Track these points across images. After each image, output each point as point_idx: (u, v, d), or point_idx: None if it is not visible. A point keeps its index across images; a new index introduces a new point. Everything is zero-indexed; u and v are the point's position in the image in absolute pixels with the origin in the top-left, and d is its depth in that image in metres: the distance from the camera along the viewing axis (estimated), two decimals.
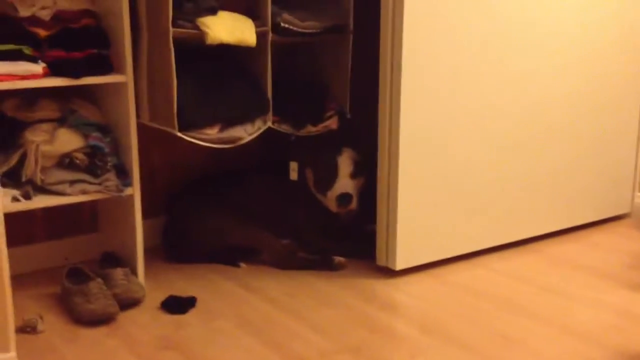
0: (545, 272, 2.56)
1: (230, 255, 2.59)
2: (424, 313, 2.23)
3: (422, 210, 2.48)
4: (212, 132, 2.32)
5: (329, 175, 2.56)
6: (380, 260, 2.51)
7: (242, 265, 2.56)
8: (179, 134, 2.25)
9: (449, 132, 2.49)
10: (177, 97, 2.20)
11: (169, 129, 2.26)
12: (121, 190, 2.29)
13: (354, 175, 2.57)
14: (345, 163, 2.57)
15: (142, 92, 2.32)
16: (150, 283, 2.39)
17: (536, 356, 1.97)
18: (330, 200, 2.57)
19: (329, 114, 2.59)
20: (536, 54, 2.64)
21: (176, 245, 2.63)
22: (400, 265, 2.48)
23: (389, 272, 2.49)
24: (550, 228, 2.87)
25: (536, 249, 2.76)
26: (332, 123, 2.59)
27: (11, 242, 1.87)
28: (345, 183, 2.55)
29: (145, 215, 2.44)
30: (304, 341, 2.03)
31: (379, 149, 2.43)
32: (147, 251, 2.44)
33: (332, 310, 2.24)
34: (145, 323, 2.15)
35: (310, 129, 2.54)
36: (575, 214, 2.95)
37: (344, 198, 2.54)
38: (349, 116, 2.62)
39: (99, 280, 2.23)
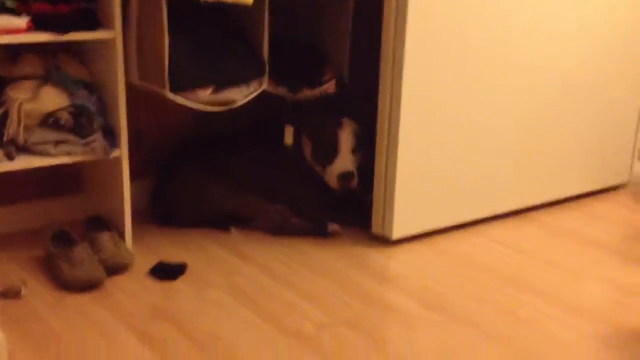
0: (546, 243, 2.50)
1: (221, 220, 2.50)
2: (421, 285, 2.17)
3: (421, 177, 2.40)
4: (205, 93, 2.22)
5: (330, 150, 2.46)
6: (376, 228, 2.44)
7: (233, 230, 2.48)
8: (170, 95, 2.14)
9: (450, 98, 2.40)
10: (169, 56, 2.10)
11: (159, 90, 2.16)
12: (108, 153, 2.19)
13: (355, 151, 2.48)
14: (347, 137, 2.47)
15: (131, 49, 2.20)
16: (138, 248, 2.31)
17: (535, 329, 1.92)
18: (330, 176, 2.48)
19: (326, 77, 2.48)
20: (540, 20, 2.54)
21: (165, 210, 2.54)
22: (397, 233, 2.41)
23: (385, 241, 2.42)
24: (549, 197, 2.80)
25: (535, 219, 2.69)
26: (330, 87, 2.49)
27: None
28: (346, 160, 2.46)
29: (132, 177, 2.35)
30: (300, 313, 1.97)
31: (379, 114, 2.33)
32: (135, 214, 2.35)
33: (327, 280, 2.17)
34: (134, 290, 2.07)
35: (307, 93, 2.45)
36: (574, 183, 2.89)
37: (346, 177, 2.45)
38: (346, 81, 2.52)
39: (85, 244, 2.15)
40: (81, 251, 2.12)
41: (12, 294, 2.00)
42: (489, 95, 2.50)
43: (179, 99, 2.17)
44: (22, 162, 2.10)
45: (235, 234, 2.47)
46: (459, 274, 2.25)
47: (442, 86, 2.36)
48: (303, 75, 2.44)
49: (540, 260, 2.36)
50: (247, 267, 2.24)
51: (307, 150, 2.52)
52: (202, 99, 2.22)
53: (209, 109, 2.25)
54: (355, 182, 2.46)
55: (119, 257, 2.17)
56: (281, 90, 2.40)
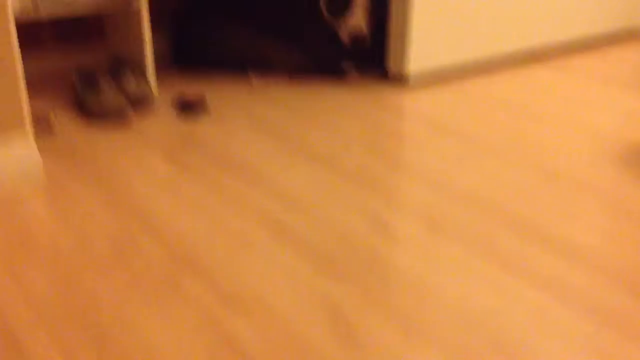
0: (561, 81, 2.54)
1: (241, 63, 2.55)
2: (436, 116, 2.23)
3: (438, 12, 2.42)
4: None
5: (342, 5, 2.47)
6: (393, 66, 2.48)
7: (252, 74, 2.53)
8: None
9: None
10: None
11: None
12: (129, 3, 2.23)
13: (369, 9, 2.48)
14: None
15: None
16: (160, 88, 2.38)
17: (546, 149, 1.98)
18: (342, 31, 2.50)
19: None
20: None
21: (186, 52, 2.59)
22: (412, 69, 2.45)
23: (402, 82, 2.47)
24: (567, 37, 2.81)
25: (553, 62, 2.72)
26: None
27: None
28: (359, 17, 2.47)
29: (154, 23, 2.40)
30: (321, 141, 2.04)
31: None
32: (156, 58, 2.41)
33: (343, 113, 2.24)
34: (158, 121, 2.16)
35: None
36: (595, 23, 2.89)
37: (357, 38, 2.47)
38: None
39: (109, 79, 2.22)
40: (105, 84, 2.19)
41: (43, 123, 2.09)
42: None
43: None
44: (47, 10, 2.14)
45: (253, 78, 2.53)
46: (472, 107, 2.30)
47: None
48: None
49: (555, 96, 2.40)
50: (265, 103, 2.31)
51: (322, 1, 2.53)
52: None
53: None
54: (367, 43, 2.48)
55: (141, 90, 2.24)
56: None
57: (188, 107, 2.24)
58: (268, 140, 2.04)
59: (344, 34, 2.49)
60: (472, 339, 1.18)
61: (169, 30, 2.66)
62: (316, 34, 2.56)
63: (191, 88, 2.42)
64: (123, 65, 2.37)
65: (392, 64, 2.48)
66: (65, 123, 2.12)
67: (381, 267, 1.39)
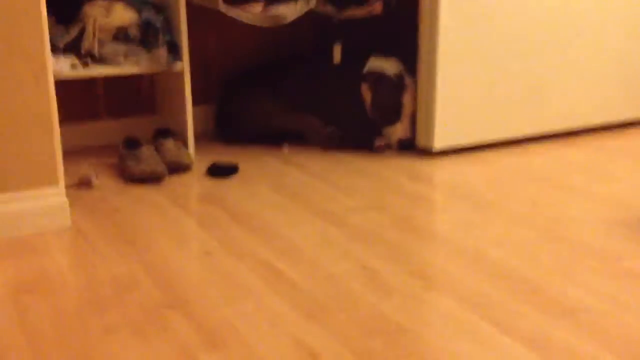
0: (587, 155, 2.57)
1: (275, 136, 2.72)
2: (456, 182, 2.30)
3: (463, 90, 2.53)
4: (257, 8, 2.43)
5: (392, 114, 2.60)
6: (420, 142, 2.59)
7: (286, 146, 2.68)
8: (223, 8, 2.36)
9: (493, 10, 2.51)
10: None
11: (212, 4, 2.38)
12: (172, 64, 2.44)
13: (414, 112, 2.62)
14: (409, 101, 2.59)
15: None
16: (199, 156, 2.55)
17: (562, 216, 2.01)
18: (388, 134, 2.63)
19: None
20: None
21: (226, 126, 2.78)
22: (438, 144, 2.55)
23: (429, 154, 2.57)
24: (599, 120, 2.86)
25: (580, 142, 2.76)
26: (376, 8, 2.65)
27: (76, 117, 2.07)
28: (406, 126, 2.62)
29: (199, 100, 2.61)
30: (334, 200, 2.15)
31: (420, 21, 2.48)
32: (201, 134, 2.62)
33: (365, 179, 2.34)
34: (190, 184, 2.32)
35: (355, 11, 2.61)
36: (627, 108, 2.92)
37: (405, 143, 2.62)
38: (394, 2, 2.67)
39: (151, 147, 2.41)
40: (146, 151, 2.38)
41: (85, 183, 2.28)
42: (535, 7, 2.60)
43: (231, 11, 2.39)
44: (95, 70, 2.38)
45: (286, 149, 2.67)
46: (492, 175, 2.37)
47: None
48: None
49: (579, 168, 2.44)
50: (293, 170, 2.44)
51: (367, 98, 2.64)
52: (254, 12, 2.43)
53: (261, 23, 2.46)
54: (413, 147, 2.62)
55: (180, 158, 2.42)
56: (329, 8, 2.57)
57: (220, 172, 2.39)
58: (284, 199, 2.16)
59: (391, 137, 2.63)
60: None
61: (214, 104, 2.86)
62: (350, 111, 2.70)
63: (226, 156, 2.58)
64: (166, 134, 2.57)
65: (419, 140, 2.59)
66: (105, 183, 2.30)
67: (367, 316, 1.46)
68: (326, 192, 2.23)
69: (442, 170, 2.45)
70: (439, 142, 2.55)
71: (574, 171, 2.42)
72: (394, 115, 2.61)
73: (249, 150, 2.67)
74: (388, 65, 2.64)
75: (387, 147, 2.64)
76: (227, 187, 2.30)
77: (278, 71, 2.76)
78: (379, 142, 2.65)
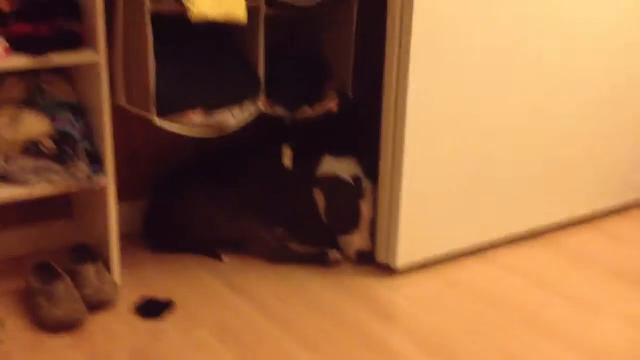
0: (564, 273, 2.33)
1: (215, 247, 2.37)
2: (426, 325, 2.02)
3: (428, 200, 2.25)
4: (196, 116, 2.07)
5: (348, 222, 2.30)
6: (380, 257, 2.29)
7: (225, 259, 2.34)
8: (157, 121, 2.00)
9: (458, 113, 2.24)
10: (157, 78, 1.96)
11: (146, 114, 2.02)
12: (92, 180, 2.06)
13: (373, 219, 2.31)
14: (368, 209, 2.29)
15: (117, 71, 2.07)
16: (125, 278, 2.18)
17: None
18: (345, 245, 2.33)
19: (327, 94, 2.33)
20: (561, 24, 2.37)
21: (158, 234, 2.41)
22: (401, 262, 2.26)
23: (390, 270, 2.27)
24: (565, 216, 2.62)
25: (550, 241, 2.53)
26: (332, 103, 2.33)
27: None
28: (365, 236, 2.30)
29: (126, 197, 2.24)
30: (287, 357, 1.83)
31: (382, 134, 2.18)
32: (126, 237, 2.25)
33: (324, 319, 2.03)
34: (116, 331, 1.95)
35: (307, 111, 2.29)
36: (594, 199, 2.70)
37: (364, 256, 2.30)
38: (350, 97, 2.36)
39: (67, 280, 2.03)
40: (62, 287, 1.99)
41: None
42: (503, 109, 2.34)
43: (167, 125, 2.03)
44: (3, 193, 1.97)
45: (228, 262, 2.33)
46: (467, 311, 2.09)
47: (450, 97, 2.20)
48: (302, 92, 2.28)
49: (556, 294, 2.19)
50: (240, 301, 2.10)
51: (320, 204, 2.33)
52: (193, 123, 2.07)
53: (203, 134, 2.10)
54: (373, 260, 2.31)
55: (102, 293, 2.04)
56: (279, 110, 2.24)
57: (152, 311, 2.03)
58: (230, 354, 1.83)
59: (347, 248, 2.32)
60: None
61: (141, 200, 2.48)
62: (302, 216, 2.38)
63: (159, 279, 2.22)
64: (86, 255, 2.18)
65: (379, 254, 2.29)
66: (12, 328, 1.91)
67: None
68: (282, 344, 1.90)
69: (410, 301, 2.15)
70: (402, 258, 2.26)
71: (554, 300, 2.17)
72: (350, 224, 2.31)
73: (184, 264, 2.31)
74: (343, 167, 2.34)
75: (341, 261, 2.34)
76: (162, 333, 1.94)
77: (218, 171, 2.41)
78: (333, 256, 2.33)
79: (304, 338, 1.93)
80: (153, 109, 1.98)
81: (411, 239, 2.25)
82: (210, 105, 2.09)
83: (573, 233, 2.61)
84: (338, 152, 2.37)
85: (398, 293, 2.19)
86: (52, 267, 2.09)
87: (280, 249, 2.35)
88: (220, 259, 2.34)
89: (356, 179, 2.31)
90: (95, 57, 1.98)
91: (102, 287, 2.06)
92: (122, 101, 2.10)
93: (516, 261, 2.38)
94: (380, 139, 2.19)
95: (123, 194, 2.31)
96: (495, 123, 2.33)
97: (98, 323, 1.97)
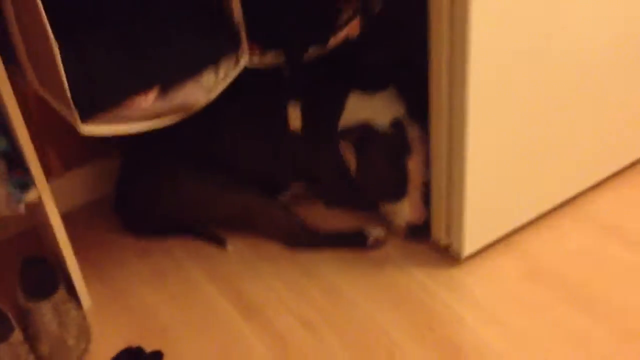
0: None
1: (213, 230, 1.77)
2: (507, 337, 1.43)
3: (495, 173, 1.55)
4: (147, 101, 1.37)
5: (393, 188, 1.62)
6: (436, 235, 1.66)
7: (230, 247, 1.75)
8: (85, 131, 1.31)
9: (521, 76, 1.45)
10: (74, 66, 1.24)
11: (67, 118, 1.32)
12: (16, 205, 1.42)
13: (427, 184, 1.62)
14: (418, 169, 1.60)
15: (20, 52, 1.34)
16: (97, 301, 1.63)
17: None
18: (391, 215, 1.67)
19: (343, 16, 1.55)
20: None
21: (133, 219, 1.81)
22: (469, 249, 1.63)
23: (452, 257, 1.65)
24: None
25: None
26: (353, 28, 1.56)
27: None
28: (417, 202, 1.62)
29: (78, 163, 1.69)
30: None
31: (432, 52, 1.41)
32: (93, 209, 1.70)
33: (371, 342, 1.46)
34: None
35: (316, 51, 1.54)
36: None
37: (416, 230, 1.64)
38: (375, 12, 1.58)
39: (18, 337, 1.48)
40: (8, 352, 1.46)
41: None
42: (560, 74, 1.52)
43: (98, 130, 1.33)
44: None
45: (230, 248, 1.74)
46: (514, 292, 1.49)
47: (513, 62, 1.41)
48: (304, 24, 1.51)
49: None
50: (252, 333, 1.53)
51: (351, 163, 1.66)
52: (144, 110, 1.37)
53: (162, 123, 1.41)
54: (427, 234, 1.66)
55: (63, 351, 1.50)
56: (274, 57, 1.49)
57: None
58: None
59: (395, 219, 1.66)
60: None
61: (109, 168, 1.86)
62: (328, 171, 1.73)
63: (143, 304, 1.65)
64: (42, 276, 1.61)
65: (436, 234, 1.66)
66: None
67: None
68: None
69: (478, 305, 1.55)
70: (471, 245, 1.62)
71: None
72: (395, 188, 1.65)
73: (173, 258, 1.73)
74: (378, 109, 1.63)
75: (385, 238, 1.71)
76: None
77: (205, 135, 1.71)
78: (374, 235, 1.71)
79: None
80: (75, 113, 1.28)
81: (478, 222, 1.59)
82: (166, 80, 1.36)
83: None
84: (368, 85, 1.65)
85: (464, 294, 1.59)
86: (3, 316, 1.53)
87: (299, 230, 1.73)
88: (224, 246, 1.75)
89: (397, 125, 1.61)
90: None
91: (63, 337, 1.52)
92: (35, 84, 1.39)
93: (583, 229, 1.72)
94: (430, 59, 1.42)
95: (75, 160, 1.72)
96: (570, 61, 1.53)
97: None
